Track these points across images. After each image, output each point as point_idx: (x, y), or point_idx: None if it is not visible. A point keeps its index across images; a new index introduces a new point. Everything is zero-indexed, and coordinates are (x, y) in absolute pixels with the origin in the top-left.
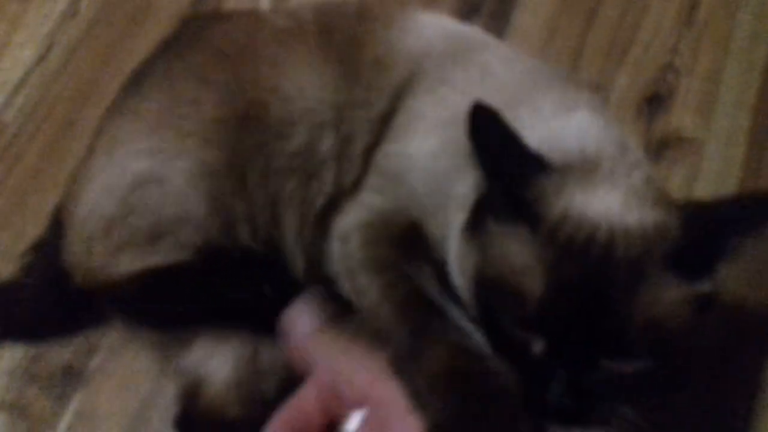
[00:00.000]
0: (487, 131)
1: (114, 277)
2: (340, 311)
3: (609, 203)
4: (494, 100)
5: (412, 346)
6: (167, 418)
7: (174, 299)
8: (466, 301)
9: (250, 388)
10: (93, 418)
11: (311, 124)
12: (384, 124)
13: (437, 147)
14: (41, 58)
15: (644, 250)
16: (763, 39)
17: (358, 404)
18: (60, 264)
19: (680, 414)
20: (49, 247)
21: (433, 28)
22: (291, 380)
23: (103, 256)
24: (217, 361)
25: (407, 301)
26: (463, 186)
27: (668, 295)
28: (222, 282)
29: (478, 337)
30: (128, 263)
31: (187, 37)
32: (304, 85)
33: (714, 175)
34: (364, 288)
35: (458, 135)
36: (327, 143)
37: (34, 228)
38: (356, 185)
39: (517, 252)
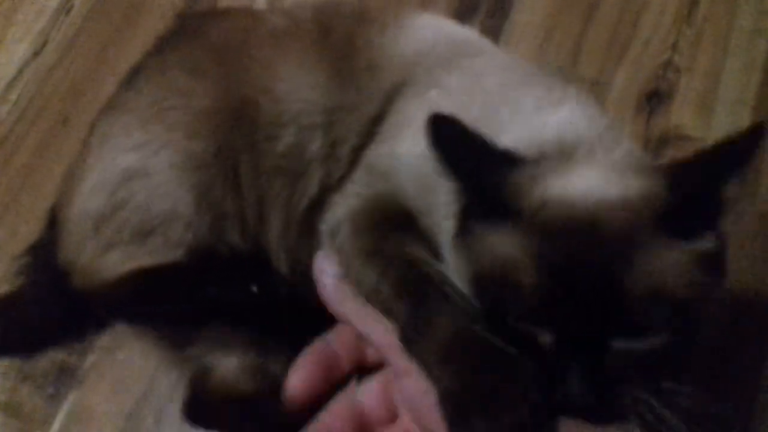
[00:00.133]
0: (449, 139)
1: (105, 278)
2: None
3: (587, 181)
4: (479, 100)
5: (415, 320)
6: (162, 417)
7: (164, 301)
8: (472, 307)
9: (260, 370)
10: (87, 418)
11: (301, 126)
12: (373, 126)
13: (425, 150)
14: (35, 54)
15: (631, 218)
16: (763, 36)
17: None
18: (56, 265)
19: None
20: (45, 248)
21: (430, 30)
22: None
23: (93, 254)
24: (223, 350)
25: (404, 277)
26: (446, 195)
27: (667, 259)
28: (209, 282)
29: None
30: (119, 262)
31: (183, 33)
32: (295, 87)
33: None
34: (360, 274)
35: None
36: (315, 145)
37: (27, 226)
38: (341, 182)
39: (504, 248)
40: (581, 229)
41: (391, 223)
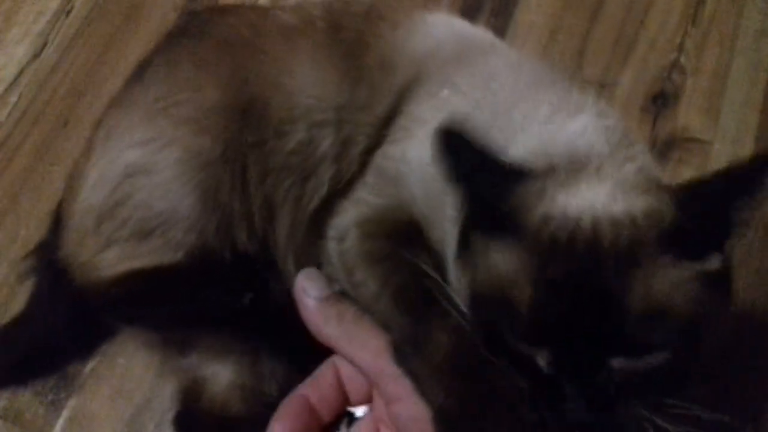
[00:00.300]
0: (457, 151)
1: (103, 276)
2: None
3: (592, 197)
4: (492, 103)
5: (413, 334)
6: (162, 424)
7: (159, 304)
8: (472, 324)
9: (252, 389)
10: (86, 424)
11: (311, 123)
12: (385, 127)
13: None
14: (35, 56)
15: (634, 236)
16: None
17: (365, 379)
18: (58, 266)
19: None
20: (48, 251)
21: (442, 29)
22: (293, 382)
23: (93, 250)
24: (218, 363)
25: (406, 289)
26: (455, 208)
27: (669, 278)
28: (203, 288)
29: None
30: (117, 260)
31: (191, 29)
32: (306, 83)
33: None
34: (362, 281)
35: None
36: (326, 143)
37: (27, 231)
38: (351, 185)
39: (503, 264)
40: (583, 246)
41: (400, 233)
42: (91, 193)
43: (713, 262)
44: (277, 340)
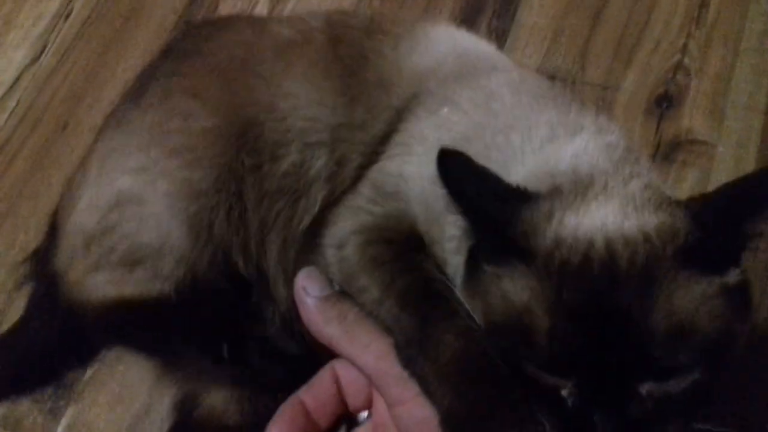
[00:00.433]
0: (460, 177)
1: (90, 298)
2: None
3: (603, 217)
4: (492, 124)
5: (418, 335)
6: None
7: (141, 337)
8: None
9: (250, 399)
10: None
11: (304, 144)
12: (380, 144)
13: (434, 174)
14: (34, 60)
15: (650, 253)
16: None
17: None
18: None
19: None
20: (46, 256)
21: (443, 44)
22: (291, 390)
23: (82, 271)
24: (212, 379)
25: (410, 291)
26: (456, 228)
27: (691, 295)
28: (182, 332)
29: None
30: (104, 285)
31: (187, 47)
32: (301, 104)
33: (726, 178)
34: (364, 286)
35: None
36: (319, 164)
37: (26, 235)
38: (343, 195)
39: (516, 291)
40: (598, 268)
41: (402, 240)
42: (83, 216)
43: (732, 276)
44: (262, 379)
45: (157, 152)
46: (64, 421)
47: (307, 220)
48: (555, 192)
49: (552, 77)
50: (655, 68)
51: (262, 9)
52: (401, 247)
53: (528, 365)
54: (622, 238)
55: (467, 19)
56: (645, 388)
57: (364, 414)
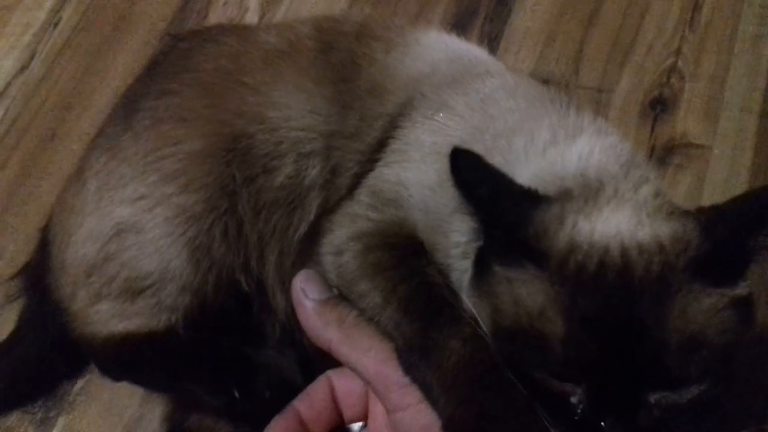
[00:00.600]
0: (473, 176)
1: (94, 332)
2: None
3: (617, 223)
4: (491, 128)
5: (422, 341)
6: None
7: (149, 376)
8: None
9: (242, 410)
10: None
11: (298, 154)
12: (376, 152)
13: (434, 180)
14: (23, 69)
15: (665, 263)
16: (767, 40)
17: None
18: (48, 292)
19: None
20: (37, 271)
21: (436, 50)
22: (285, 401)
23: (85, 302)
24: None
25: (414, 297)
26: (461, 234)
27: (702, 306)
28: (193, 374)
29: None
30: (109, 317)
31: (173, 62)
32: (292, 114)
33: (721, 181)
34: (365, 292)
35: None
36: (314, 172)
37: (15, 246)
38: (339, 204)
39: (529, 295)
40: (613, 276)
41: (403, 246)
42: (83, 244)
43: (741, 289)
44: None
45: (153, 179)
46: None
47: (303, 229)
48: (565, 195)
49: (546, 81)
50: (649, 71)
51: (252, 16)
52: (402, 252)
53: (537, 371)
54: (636, 246)
55: (460, 24)
56: (654, 398)
57: (358, 425)
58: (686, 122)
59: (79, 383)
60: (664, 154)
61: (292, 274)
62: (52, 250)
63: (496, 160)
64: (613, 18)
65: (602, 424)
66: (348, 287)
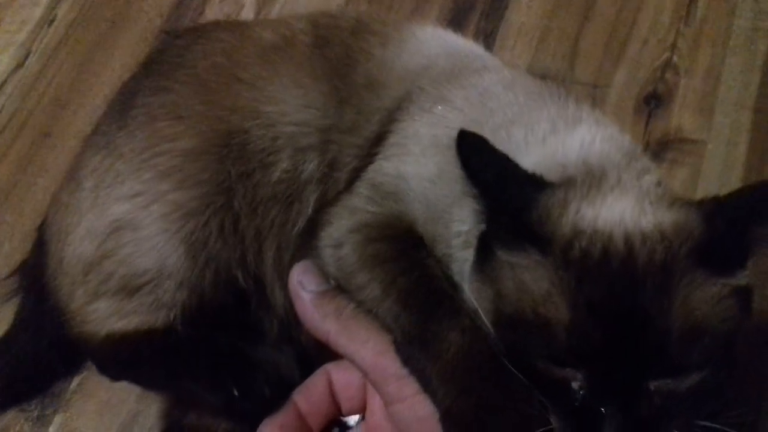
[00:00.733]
0: (479, 159)
1: (93, 330)
2: None
3: (621, 211)
4: (490, 120)
5: (420, 333)
6: None
7: (148, 375)
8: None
9: (240, 406)
10: None
11: (295, 149)
12: (374, 146)
13: (434, 173)
14: (18, 66)
15: (668, 252)
16: (762, 35)
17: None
18: (46, 291)
19: None
20: (33, 269)
21: (433, 45)
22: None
23: (83, 300)
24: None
25: (413, 289)
26: (462, 224)
27: (704, 294)
28: (192, 373)
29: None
30: (107, 315)
31: (168, 59)
32: (288, 109)
33: (716, 175)
34: (364, 284)
35: (455, 159)
36: (311, 167)
37: (11, 244)
38: (338, 196)
39: (532, 281)
40: (617, 263)
41: (403, 238)
42: (81, 243)
43: (740, 278)
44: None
45: (148, 176)
46: (51, 429)
47: (300, 224)
48: (568, 182)
49: (542, 77)
50: (644, 66)
51: (248, 12)
52: (402, 244)
53: (538, 357)
54: (640, 234)
55: (456, 20)
56: (654, 385)
57: (355, 418)
58: (681, 117)
59: (76, 381)
60: (658, 149)
61: (291, 270)
62: (49, 249)
63: None
64: (608, 13)
65: (602, 410)
66: (347, 279)
